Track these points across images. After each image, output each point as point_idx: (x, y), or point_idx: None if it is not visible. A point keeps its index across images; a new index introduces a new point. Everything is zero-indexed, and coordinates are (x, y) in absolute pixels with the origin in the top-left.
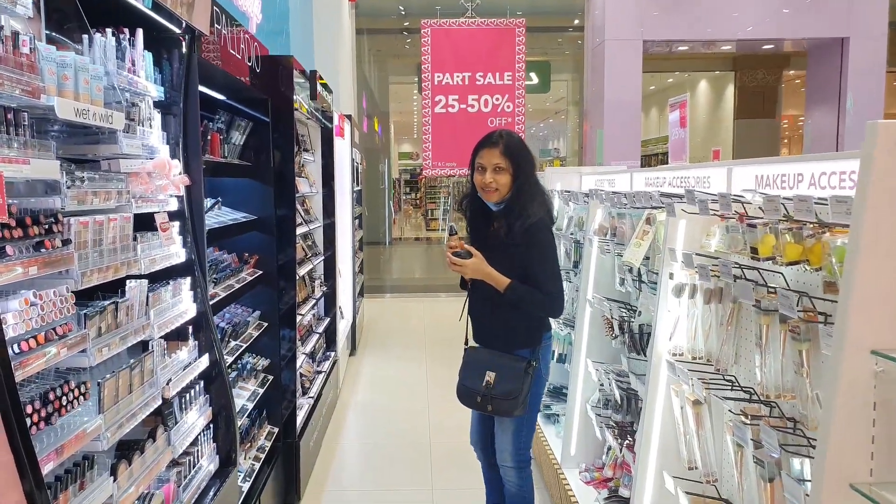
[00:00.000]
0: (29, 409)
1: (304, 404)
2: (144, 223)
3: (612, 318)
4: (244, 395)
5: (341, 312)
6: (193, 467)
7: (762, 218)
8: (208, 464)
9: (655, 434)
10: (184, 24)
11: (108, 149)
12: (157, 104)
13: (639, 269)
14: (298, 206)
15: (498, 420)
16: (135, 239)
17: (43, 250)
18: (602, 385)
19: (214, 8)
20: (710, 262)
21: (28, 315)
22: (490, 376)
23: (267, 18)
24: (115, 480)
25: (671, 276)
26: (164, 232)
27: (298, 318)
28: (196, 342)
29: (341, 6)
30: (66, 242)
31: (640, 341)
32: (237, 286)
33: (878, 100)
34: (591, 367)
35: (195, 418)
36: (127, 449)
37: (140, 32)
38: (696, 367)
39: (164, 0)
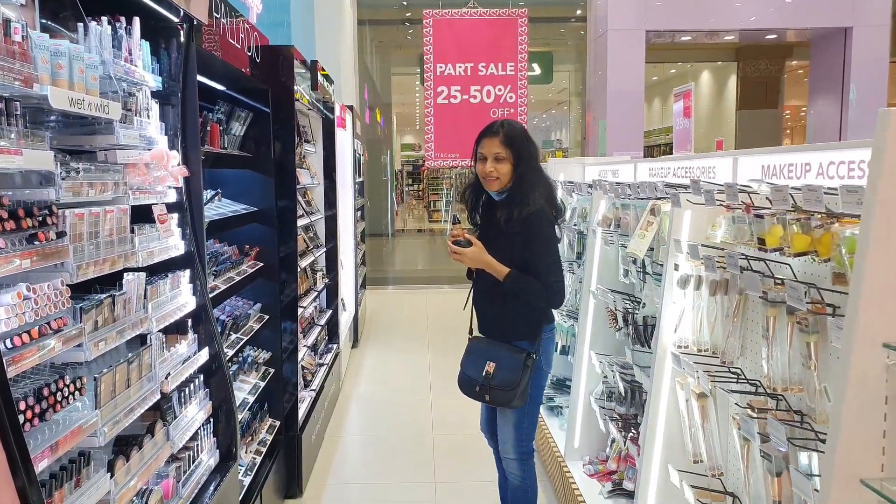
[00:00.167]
0: (22, 406)
1: (305, 397)
2: (142, 215)
3: (615, 309)
4: (245, 389)
5: (343, 304)
6: (193, 462)
7: (770, 208)
8: (208, 458)
9: (660, 427)
10: (182, 13)
11: (105, 139)
12: (154, 94)
13: (643, 260)
14: (300, 198)
15: (500, 411)
16: (132, 231)
17: (36, 243)
18: (606, 377)
19: None
20: (717, 254)
21: (21, 309)
22: (490, 366)
23: (268, 9)
24: (112, 477)
25: (676, 267)
26: (162, 224)
27: (300, 310)
28: (195, 335)
29: None
30: (60, 235)
31: (644, 333)
32: (238, 278)
33: (881, 90)
34: (594, 359)
35: (195, 413)
36: (125, 444)
37: (137, 21)
38: (702, 359)
39: None
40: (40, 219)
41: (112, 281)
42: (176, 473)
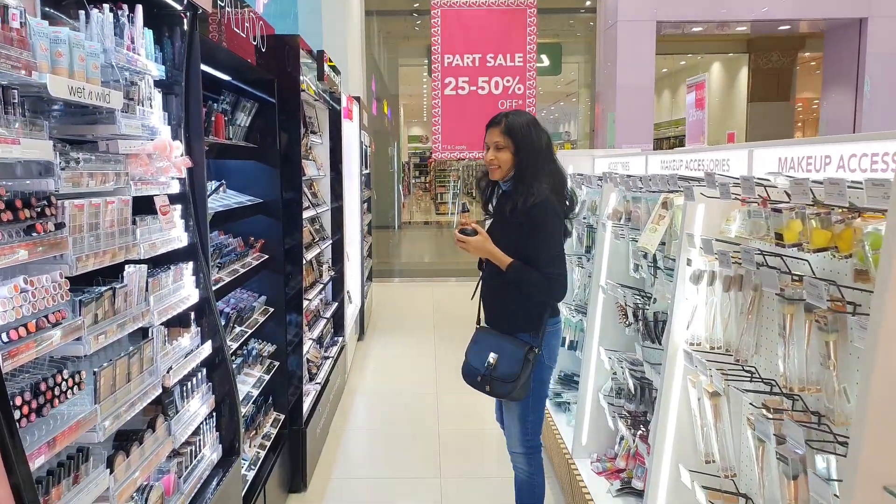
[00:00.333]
0: (18, 401)
1: (310, 390)
2: (144, 206)
3: (626, 305)
4: (249, 382)
5: (349, 297)
6: (195, 457)
7: (788, 202)
8: (211, 453)
9: (671, 425)
10: (185, 1)
11: (106, 129)
12: (157, 83)
13: (654, 254)
14: (305, 190)
15: (504, 404)
16: (134, 223)
17: (34, 234)
18: (615, 373)
19: None
20: (731, 249)
21: (18, 302)
22: (493, 357)
23: None
24: (111, 473)
25: (689, 262)
26: (164, 215)
27: (305, 302)
28: (198, 329)
29: None
30: (59, 226)
31: (654, 329)
32: (242, 271)
33: None
34: (603, 354)
35: (197, 407)
36: (125, 440)
37: (139, 9)
38: (715, 357)
39: None
40: (38, 210)
41: (113, 273)
42: (177, 469)
